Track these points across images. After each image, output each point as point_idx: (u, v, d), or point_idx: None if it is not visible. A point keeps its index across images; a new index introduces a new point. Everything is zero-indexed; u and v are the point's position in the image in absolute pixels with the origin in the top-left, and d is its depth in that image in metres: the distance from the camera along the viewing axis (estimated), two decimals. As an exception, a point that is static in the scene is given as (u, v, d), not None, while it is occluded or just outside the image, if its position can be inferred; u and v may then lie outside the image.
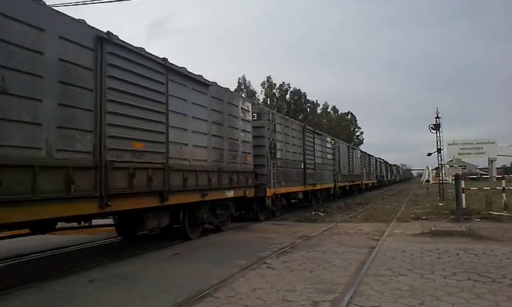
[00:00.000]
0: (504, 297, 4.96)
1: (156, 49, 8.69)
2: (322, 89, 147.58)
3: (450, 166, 36.60)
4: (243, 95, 54.48)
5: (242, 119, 12.04)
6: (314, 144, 19.97)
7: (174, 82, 8.52)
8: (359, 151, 36.27)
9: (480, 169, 65.05)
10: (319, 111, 72.61)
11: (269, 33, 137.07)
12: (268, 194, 13.73)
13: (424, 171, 78.49)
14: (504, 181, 15.37)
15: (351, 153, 30.33)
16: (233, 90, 13.10)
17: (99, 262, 7.29)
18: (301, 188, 17.72)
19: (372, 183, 43.23)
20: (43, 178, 5.36)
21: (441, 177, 24.02)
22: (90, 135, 6.30)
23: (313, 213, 16.52)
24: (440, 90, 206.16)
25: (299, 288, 5.45)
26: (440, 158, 22.73)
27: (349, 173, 29.33)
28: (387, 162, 63.54)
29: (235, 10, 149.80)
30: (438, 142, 22.38)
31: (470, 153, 38.87)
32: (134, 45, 7.40)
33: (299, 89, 65.85)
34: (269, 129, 14.10)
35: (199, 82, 9.54)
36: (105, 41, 6.64)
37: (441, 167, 24.01)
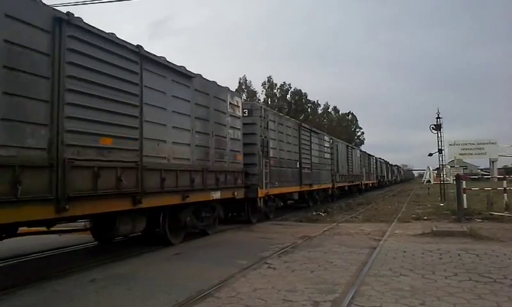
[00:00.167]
0: (505, 297, 4.94)
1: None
2: (322, 89, 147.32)
3: (451, 166, 36.18)
4: (244, 95, 54.50)
5: (231, 115, 11.23)
6: (311, 142, 19.14)
7: (150, 72, 7.72)
8: (358, 151, 35.54)
9: (481, 169, 64.81)
10: (319, 111, 72.36)
11: (270, 33, 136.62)
12: (260, 195, 12.91)
13: (425, 172, 78.28)
14: (505, 181, 15.26)
15: (350, 153, 29.53)
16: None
17: (99, 262, 7.26)
18: (296, 188, 16.88)
19: (372, 184, 42.54)
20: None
21: (442, 177, 23.93)
22: (45, 129, 5.50)
23: (314, 213, 16.33)
24: (441, 90, 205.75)
25: (300, 288, 5.45)
26: (441, 159, 22.75)
27: (348, 173, 28.54)
28: (388, 162, 62.94)
29: (235, 10, 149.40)
30: (439, 142, 22.43)
31: (471, 154, 38.41)
32: (104, 30, 6.63)
33: (300, 90, 65.71)
34: (261, 126, 13.27)
35: (180, 74, 8.74)
36: (65, 23, 5.84)
37: (443, 167, 23.94)
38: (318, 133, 21.35)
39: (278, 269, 6.61)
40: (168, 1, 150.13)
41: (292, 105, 63.48)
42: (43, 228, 7.13)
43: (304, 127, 18.87)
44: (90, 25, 6.31)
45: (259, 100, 58.90)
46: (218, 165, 10.27)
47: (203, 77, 9.87)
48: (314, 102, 69.92)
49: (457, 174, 19.18)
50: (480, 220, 12.59)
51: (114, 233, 7.53)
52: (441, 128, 22.31)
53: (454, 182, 16.19)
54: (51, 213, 5.53)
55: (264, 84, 63.39)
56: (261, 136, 13.23)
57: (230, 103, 11.20)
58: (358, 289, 5.33)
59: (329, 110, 75.28)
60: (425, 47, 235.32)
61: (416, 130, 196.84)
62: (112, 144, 6.62)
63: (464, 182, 14.04)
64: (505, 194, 14.41)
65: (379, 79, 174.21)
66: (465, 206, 13.49)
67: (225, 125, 10.84)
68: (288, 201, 18.60)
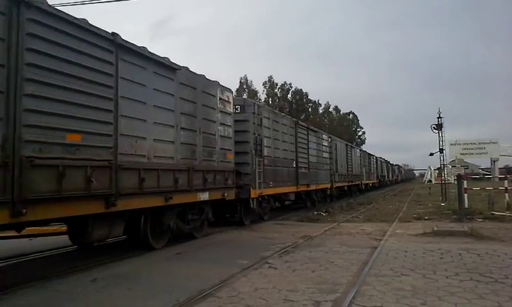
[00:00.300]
0: (506, 297, 4.92)
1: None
2: (323, 89, 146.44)
3: (452, 166, 35.72)
4: (245, 95, 54.04)
5: (221, 111, 10.58)
6: (308, 141, 18.48)
7: (127, 63, 7.07)
8: (358, 150, 34.90)
9: (482, 169, 64.76)
10: (320, 111, 72.33)
11: (271, 33, 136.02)
12: (252, 196, 12.28)
13: (426, 171, 77.95)
14: (506, 181, 15.26)
15: (349, 152, 28.88)
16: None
17: (100, 262, 7.23)
18: (292, 189, 16.23)
19: (373, 184, 41.94)
20: None
21: (443, 177, 23.90)
22: (-2, 123, 4.87)
23: (315, 213, 16.26)
24: (441, 90, 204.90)
25: (301, 287, 5.43)
26: (442, 158, 23.17)
27: (348, 173, 27.90)
28: (388, 162, 62.43)
29: (236, 10, 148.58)
30: (440, 142, 22.83)
31: (472, 153, 38.26)
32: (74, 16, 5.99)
33: (301, 89, 65.71)
34: (254, 123, 12.63)
35: (163, 65, 8.09)
36: (24, 4, 5.21)
37: (444, 167, 24.10)
38: (316, 131, 20.67)
39: (279, 269, 6.62)
40: (169, 1, 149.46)
41: (293, 104, 63.48)
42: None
43: (301, 125, 18.22)
44: (55, 8, 5.67)
45: (260, 99, 58.82)
46: (206, 165, 9.63)
47: (190, 69, 9.23)
48: (315, 101, 70.11)
49: (459, 173, 19.10)
50: (481, 220, 12.57)
51: (87, 238, 6.88)
52: (442, 127, 22.57)
53: (455, 182, 16.22)
54: (5, 219, 4.89)
55: (264, 83, 63.54)
56: (254, 134, 12.59)
57: (220, 98, 10.55)
58: (359, 289, 5.32)
59: (330, 109, 75.47)
60: (426, 46, 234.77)
61: (417, 130, 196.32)
62: (81, 140, 5.97)
63: (465, 182, 14.10)
64: (506, 194, 14.40)
65: (379, 79, 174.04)
66: (466, 205, 13.53)
67: (214, 122, 10.19)
68: (286, 202, 18.11)
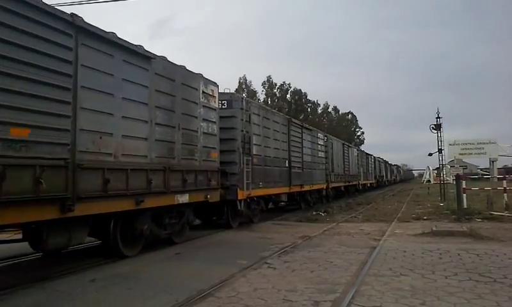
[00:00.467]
0: (505, 297, 4.92)
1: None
2: (322, 89, 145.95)
3: (451, 166, 35.30)
4: (244, 95, 53.01)
5: (205, 106, 9.80)
6: (302, 139, 17.69)
7: (90, 49, 6.30)
8: (355, 150, 34.14)
9: (481, 169, 64.44)
10: (319, 111, 71.71)
11: (270, 33, 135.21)
12: (240, 197, 11.51)
13: (425, 171, 77.61)
14: (505, 181, 15.29)
15: (346, 151, 28.13)
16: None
17: (99, 262, 7.21)
18: (285, 189, 15.44)
19: (371, 184, 41.29)
20: None
21: (442, 177, 23.73)
22: None
23: (314, 213, 16.23)
24: (441, 90, 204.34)
25: (300, 288, 5.43)
26: (440, 159, 22.82)
27: (344, 173, 27.16)
28: (387, 162, 61.88)
29: (236, 10, 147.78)
30: (439, 142, 22.29)
31: (471, 154, 38.12)
32: None
33: (300, 89, 64.92)
34: (242, 119, 11.84)
35: (135, 53, 7.31)
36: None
37: (442, 167, 23.77)
38: (310, 129, 19.87)
39: (278, 269, 6.61)
40: (169, 1, 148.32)
41: (292, 104, 62.87)
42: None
43: (295, 123, 17.44)
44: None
45: (259, 99, 58.28)
46: (186, 164, 8.85)
47: (168, 60, 8.45)
48: (314, 101, 69.43)
49: (457, 174, 18.77)
50: (480, 220, 12.56)
51: (43, 246, 6.11)
52: (441, 128, 22.48)
53: (454, 182, 16.10)
54: None
55: (263, 83, 62.86)
56: (242, 131, 11.81)
57: (204, 92, 9.76)
58: (358, 289, 5.32)
59: (329, 110, 74.89)
60: (425, 46, 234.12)
61: (416, 130, 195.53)
62: (29, 136, 5.18)
63: (464, 182, 14.12)
64: (505, 194, 14.40)
65: (379, 79, 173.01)
66: (465, 206, 13.56)
67: (196, 117, 9.42)
68: (280, 203, 17.36)
